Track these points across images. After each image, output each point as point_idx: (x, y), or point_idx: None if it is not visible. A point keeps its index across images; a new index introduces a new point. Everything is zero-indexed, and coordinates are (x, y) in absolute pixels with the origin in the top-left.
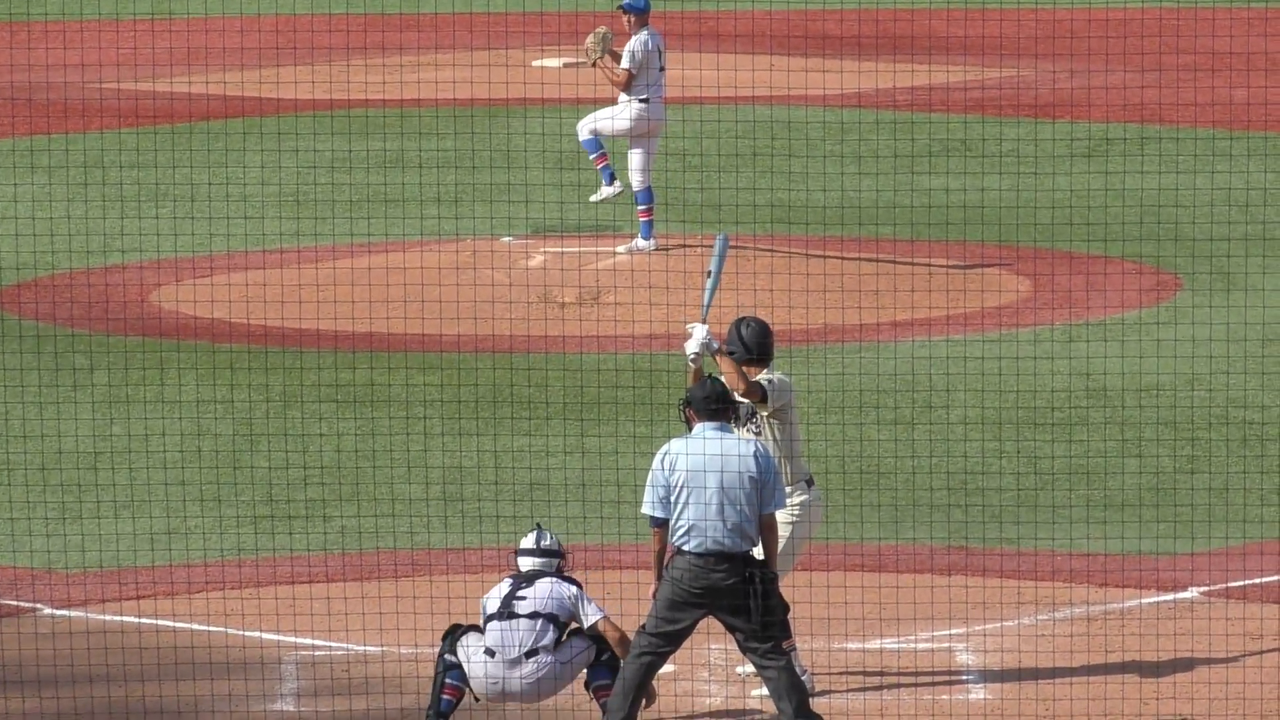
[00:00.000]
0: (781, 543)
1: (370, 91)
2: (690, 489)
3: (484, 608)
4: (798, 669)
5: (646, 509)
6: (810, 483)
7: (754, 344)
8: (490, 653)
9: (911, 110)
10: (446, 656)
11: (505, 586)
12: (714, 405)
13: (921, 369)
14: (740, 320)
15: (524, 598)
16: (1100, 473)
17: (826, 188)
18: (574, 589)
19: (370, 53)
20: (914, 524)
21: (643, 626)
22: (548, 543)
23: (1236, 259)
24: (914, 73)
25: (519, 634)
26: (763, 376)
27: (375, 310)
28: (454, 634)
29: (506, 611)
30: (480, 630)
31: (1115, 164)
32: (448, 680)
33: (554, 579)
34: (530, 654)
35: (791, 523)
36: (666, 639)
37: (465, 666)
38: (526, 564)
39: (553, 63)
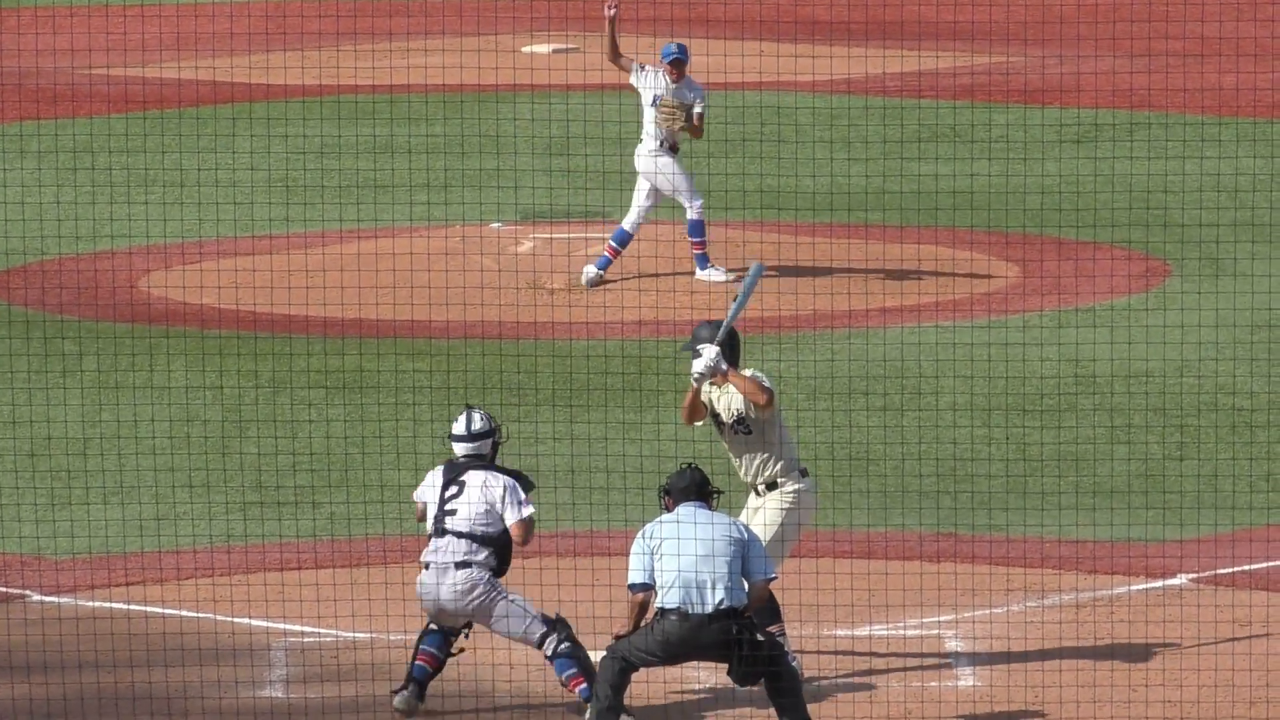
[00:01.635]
0: (774, 530)
1: (360, 77)
2: (673, 554)
3: (424, 490)
4: (789, 657)
5: (632, 577)
6: (804, 473)
7: (726, 346)
8: (427, 565)
9: (901, 96)
10: (430, 624)
11: (438, 486)
12: (693, 495)
13: (910, 355)
14: (706, 323)
15: (454, 510)
16: (1089, 459)
17: (816, 174)
18: (506, 484)
19: (360, 38)
20: (903, 510)
21: (625, 637)
22: (478, 425)
23: (1225, 245)
24: (903, 58)
25: (451, 547)
26: (749, 373)
27: (364, 296)
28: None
29: (440, 528)
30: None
31: (1104, 150)
32: (422, 647)
33: (487, 473)
34: (461, 565)
35: (784, 509)
36: (643, 663)
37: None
38: (459, 449)
39: (542, 49)
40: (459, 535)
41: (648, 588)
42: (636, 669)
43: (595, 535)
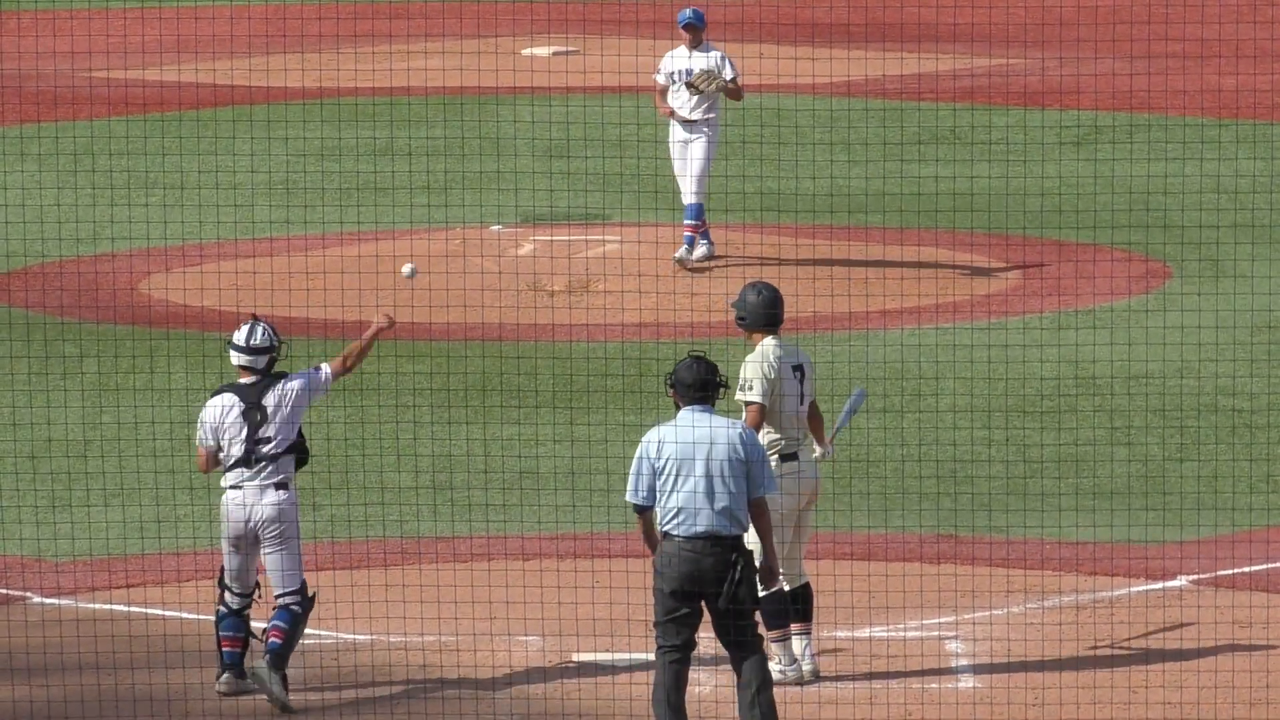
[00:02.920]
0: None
1: (360, 80)
2: (678, 474)
3: (212, 433)
4: (808, 657)
5: (630, 496)
6: (787, 457)
7: (763, 311)
8: (238, 487)
9: (901, 99)
10: (219, 609)
11: (238, 419)
12: (699, 392)
13: (911, 357)
14: (752, 284)
15: (269, 439)
16: (1089, 461)
17: (816, 176)
18: (299, 379)
19: (359, 41)
20: (903, 512)
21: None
22: (259, 339)
23: (1225, 246)
24: (903, 61)
25: (267, 469)
26: (762, 351)
27: (364, 298)
28: (221, 584)
29: (255, 456)
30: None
31: (1104, 152)
32: (222, 634)
33: (282, 386)
34: (280, 485)
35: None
36: (677, 627)
37: (223, 518)
38: (235, 359)
39: (542, 51)
40: (274, 459)
41: (648, 509)
42: (690, 649)
43: (595, 538)
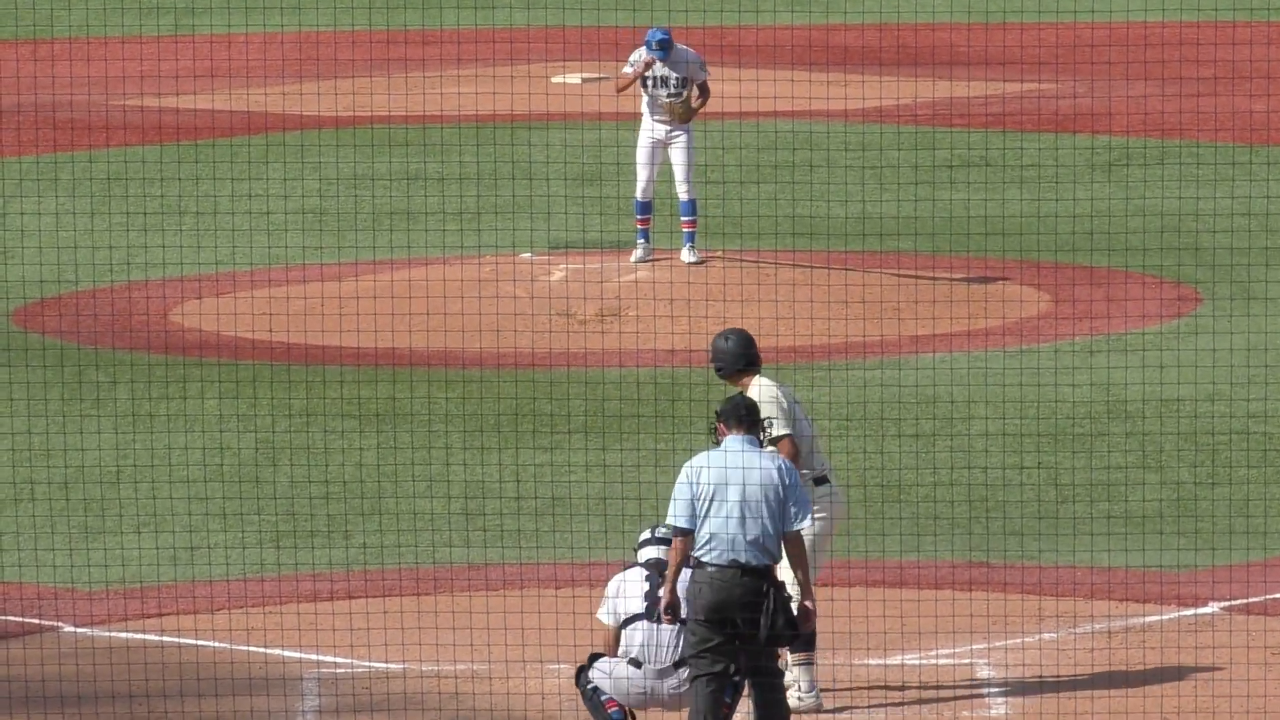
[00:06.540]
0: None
1: (391, 107)
2: (713, 501)
3: (618, 605)
4: (812, 690)
5: (671, 520)
6: (820, 481)
7: (740, 353)
8: (637, 664)
9: (931, 124)
10: (589, 688)
11: (643, 584)
12: (741, 415)
13: (941, 383)
14: (720, 334)
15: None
16: (1120, 486)
17: (848, 200)
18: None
19: (390, 67)
20: (934, 539)
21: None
22: (663, 531)
23: (1256, 271)
24: (934, 86)
25: (669, 642)
26: (761, 390)
27: (396, 325)
28: (589, 664)
29: (655, 615)
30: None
31: (1135, 177)
32: (602, 698)
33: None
34: (679, 664)
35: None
36: (711, 658)
37: (608, 682)
38: (649, 553)
39: (573, 78)
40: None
41: (689, 533)
42: (727, 678)
43: (628, 565)
